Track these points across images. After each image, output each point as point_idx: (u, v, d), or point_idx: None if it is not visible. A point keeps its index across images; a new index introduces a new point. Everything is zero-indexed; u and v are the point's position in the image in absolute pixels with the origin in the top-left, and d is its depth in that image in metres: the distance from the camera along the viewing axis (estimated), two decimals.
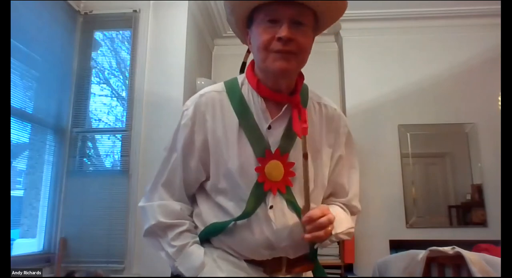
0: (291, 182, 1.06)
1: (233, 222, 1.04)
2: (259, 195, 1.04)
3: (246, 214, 1.03)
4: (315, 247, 1.09)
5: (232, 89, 1.12)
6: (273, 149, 1.06)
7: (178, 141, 1.11)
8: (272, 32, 1.00)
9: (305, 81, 1.16)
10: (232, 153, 1.06)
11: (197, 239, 1.08)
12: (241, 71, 1.20)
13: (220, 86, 1.14)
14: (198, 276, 1.03)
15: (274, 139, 1.06)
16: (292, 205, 1.06)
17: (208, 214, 1.09)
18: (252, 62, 1.13)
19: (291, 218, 1.05)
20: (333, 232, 1.04)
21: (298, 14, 1.01)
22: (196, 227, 1.11)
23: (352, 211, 1.19)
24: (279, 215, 1.04)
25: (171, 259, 1.07)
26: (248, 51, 1.18)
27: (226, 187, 1.06)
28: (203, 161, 1.09)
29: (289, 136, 1.07)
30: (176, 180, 1.11)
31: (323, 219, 0.98)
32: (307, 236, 0.97)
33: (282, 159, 1.05)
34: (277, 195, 1.05)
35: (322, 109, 1.17)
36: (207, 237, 1.09)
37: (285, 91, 1.09)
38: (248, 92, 1.11)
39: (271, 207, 1.04)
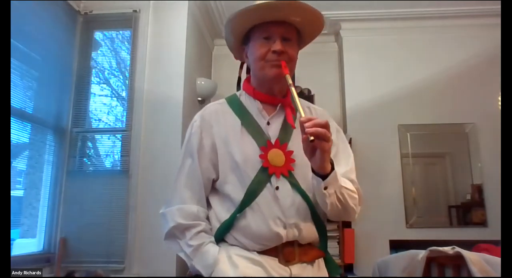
0: (292, 168, 1.19)
1: (243, 213, 1.15)
2: (264, 177, 1.17)
3: (252, 191, 1.15)
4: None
5: (232, 100, 1.32)
6: (273, 140, 1.21)
7: (192, 148, 1.25)
8: (267, 46, 1.21)
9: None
10: (237, 147, 1.20)
11: (213, 239, 1.19)
12: (238, 85, 1.39)
13: (221, 100, 1.35)
14: (213, 273, 1.12)
15: (273, 132, 1.23)
16: (295, 187, 1.18)
17: (220, 209, 1.21)
18: (248, 78, 1.34)
19: (296, 197, 1.17)
20: (340, 182, 1.11)
21: (286, 32, 1.22)
22: (211, 229, 1.21)
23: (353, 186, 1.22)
24: (285, 195, 1.16)
25: (189, 259, 1.17)
26: (241, 67, 1.41)
27: (234, 179, 1.19)
28: (212, 161, 1.23)
29: (286, 129, 1.24)
30: (196, 181, 1.23)
31: (320, 120, 1.04)
32: (308, 129, 1.01)
33: (282, 148, 1.20)
34: (281, 178, 1.18)
35: (311, 111, 1.34)
36: (221, 236, 1.19)
37: (278, 95, 1.28)
38: (245, 99, 1.31)
39: (277, 188, 1.16)
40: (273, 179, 1.17)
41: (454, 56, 3.50)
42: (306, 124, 1.02)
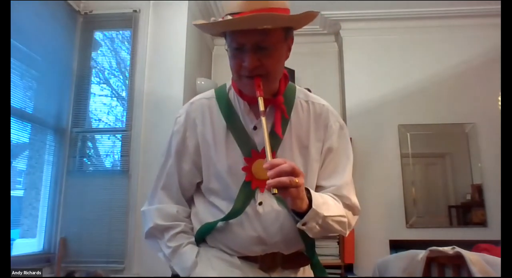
0: None
1: (225, 223, 1.08)
2: (247, 193, 1.08)
3: (235, 212, 1.07)
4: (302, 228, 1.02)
5: (220, 95, 1.17)
6: (259, 148, 1.09)
7: (172, 146, 1.17)
8: (240, 58, 1.03)
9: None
10: (221, 154, 1.11)
11: (192, 239, 1.13)
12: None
13: (210, 93, 1.20)
14: (191, 275, 1.07)
15: (260, 139, 1.10)
16: (281, 201, 1.07)
17: (204, 213, 1.14)
18: None
19: (281, 213, 1.07)
20: (322, 213, 1.00)
21: (261, 40, 1.00)
22: (192, 228, 1.15)
23: (345, 203, 1.12)
24: (269, 211, 1.07)
25: (168, 260, 1.12)
26: None
27: (217, 187, 1.12)
28: (196, 164, 1.15)
29: (274, 135, 1.09)
30: (174, 183, 1.16)
31: (285, 165, 0.91)
32: (270, 181, 0.90)
33: None
34: (266, 192, 1.06)
35: (309, 107, 1.18)
36: (202, 237, 1.13)
37: (267, 96, 1.09)
38: (233, 97, 1.16)
39: (260, 203, 1.07)
40: (257, 193, 1.08)
41: (454, 56, 3.50)
42: (268, 174, 0.90)
